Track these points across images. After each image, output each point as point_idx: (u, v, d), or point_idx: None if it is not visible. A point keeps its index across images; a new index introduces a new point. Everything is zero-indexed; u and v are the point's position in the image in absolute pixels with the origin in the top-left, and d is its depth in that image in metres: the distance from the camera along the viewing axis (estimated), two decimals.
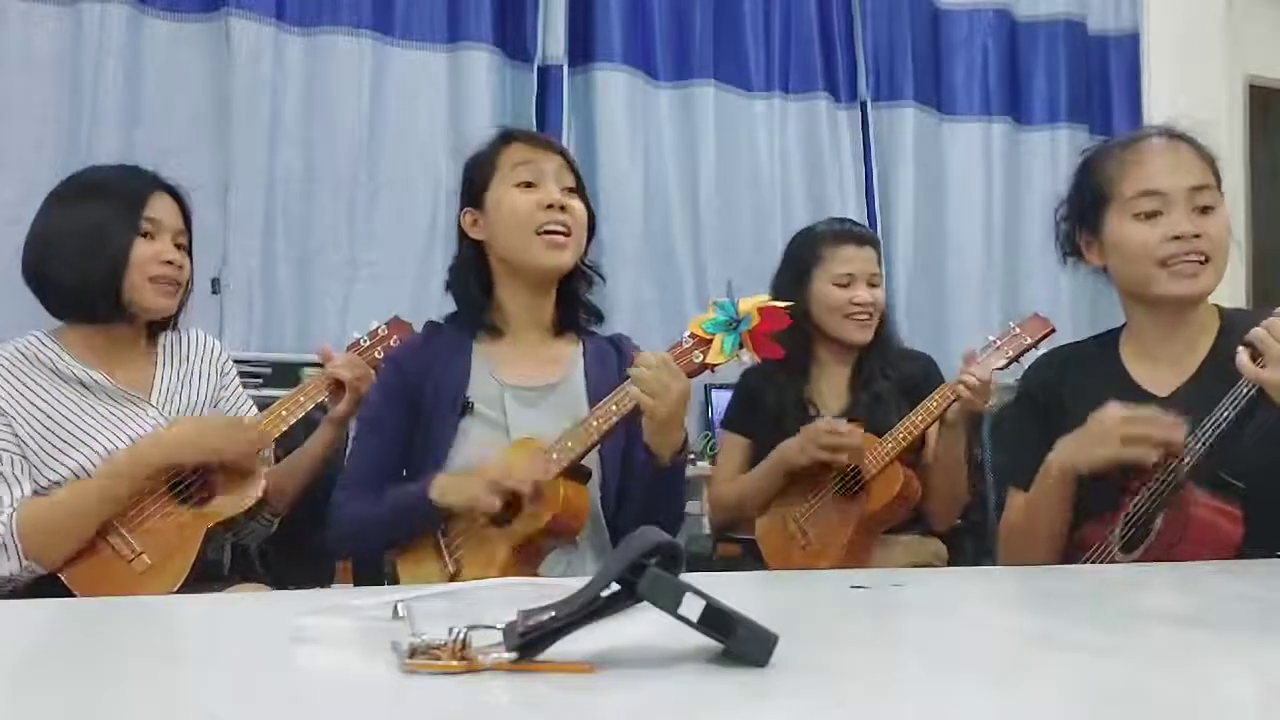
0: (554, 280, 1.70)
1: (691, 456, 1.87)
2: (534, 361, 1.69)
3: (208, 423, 1.68)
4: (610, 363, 1.72)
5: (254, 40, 3.15)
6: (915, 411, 1.97)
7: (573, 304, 1.75)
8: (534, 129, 3.38)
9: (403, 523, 1.59)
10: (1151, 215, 1.51)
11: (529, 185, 1.65)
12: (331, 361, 1.80)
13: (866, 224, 3.78)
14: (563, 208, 1.64)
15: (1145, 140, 1.57)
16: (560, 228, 1.64)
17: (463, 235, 1.73)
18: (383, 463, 1.65)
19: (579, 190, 1.70)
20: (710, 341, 1.51)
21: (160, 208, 1.66)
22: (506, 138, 1.73)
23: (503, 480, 1.49)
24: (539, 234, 1.63)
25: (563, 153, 1.73)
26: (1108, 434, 1.40)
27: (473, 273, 1.71)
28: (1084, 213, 1.60)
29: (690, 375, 1.52)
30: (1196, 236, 1.48)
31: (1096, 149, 1.64)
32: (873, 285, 2.13)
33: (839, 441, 1.95)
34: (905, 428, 1.97)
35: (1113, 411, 1.41)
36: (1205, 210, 1.51)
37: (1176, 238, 1.49)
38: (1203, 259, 1.49)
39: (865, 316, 2.12)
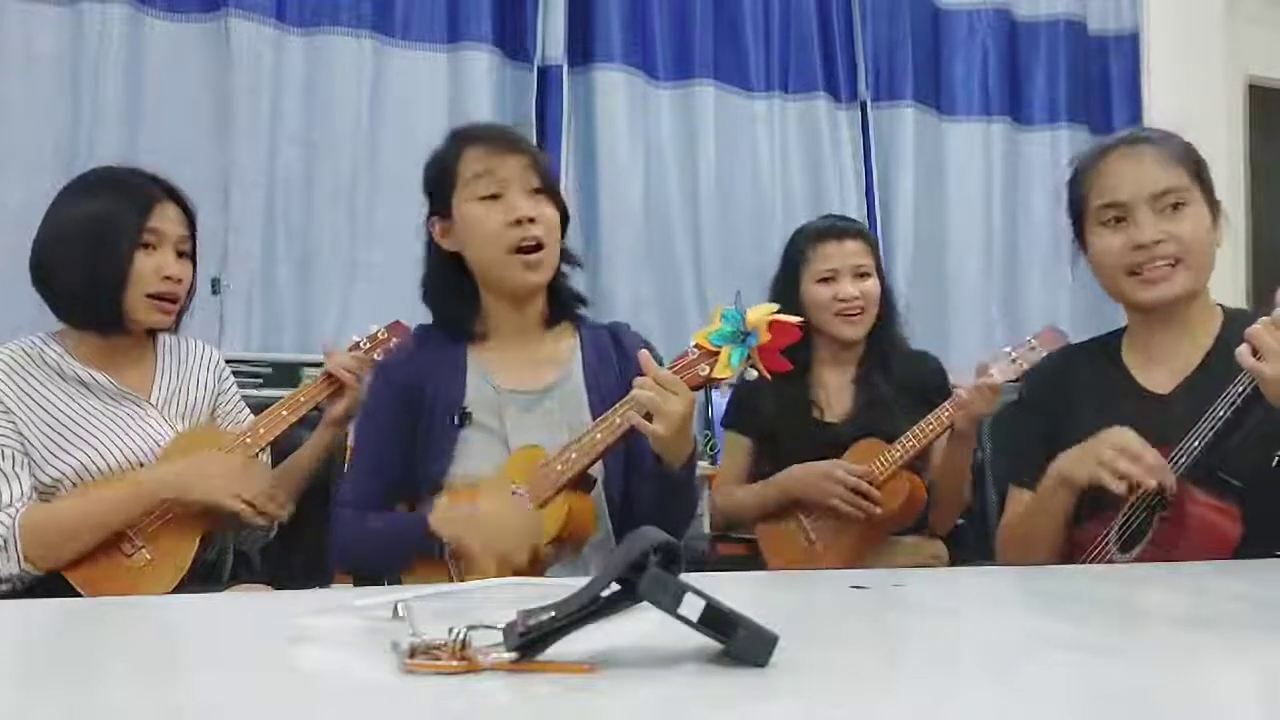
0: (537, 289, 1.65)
1: None
2: (530, 364, 1.65)
3: (230, 468, 1.63)
4: (609, 356, 1.68)
5: (254, 40, 3.15)
6: (926, 420, 1.95)
7: (560, 295, 1.69)
8: (533, 129, 3.38)
9: (402, 553, 1.54)
10: (1117, 224, 1.53)
11: (494, 197, 1.58)
12: (331, 358, 1.79)
13: (866, 223, 3.78)
14: (531, 219, 1.56)
15: (1108, 151, 1.58)
16: (531, 242, 1.57)
17: (432, 243, 1.67)
18: (380, 478, 1.62)
19: (546, 189, 1.61)
20: (716, 354, 1.47)
21: (163, 217, 1.65)
22: (462, 141, 1.65)
23: (502, 559, 1.43)
24: (512, 253, 1.57)
25: (525, 149, 1.64)
26: (1092, 452, 1.39)
27: (451, 283, 1.66)
28: (1073, 225, 1.63)
29: (694, 388, 1.47)
30: (1160, 241, 1.49)
31: (1076, 162, 1.65)
32: (862, 277, 2.10)
33: (853, 499, 1.93)
34: (915, 436, 1.95)
35: (1116, 434, 1.40)
36: (1175, 209, 1.50)
37: (1140, 246, 1.50)
38: (1172, 262, 1.49)
39: (854, 311, 2.09)
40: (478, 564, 1.43)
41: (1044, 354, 1.86)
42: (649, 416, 1.46)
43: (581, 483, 1.54)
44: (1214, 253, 1.54)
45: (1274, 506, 1.35)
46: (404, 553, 1.54)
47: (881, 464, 1.97)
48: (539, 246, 1.58)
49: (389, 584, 1.61)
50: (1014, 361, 1.88)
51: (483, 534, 1.45)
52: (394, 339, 1.84)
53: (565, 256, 1.68)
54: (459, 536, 1.47)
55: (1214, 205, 1.55)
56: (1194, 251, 1.50)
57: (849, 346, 2.14)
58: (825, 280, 2.09)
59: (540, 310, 1.68)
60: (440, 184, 1.65)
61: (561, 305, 1.69)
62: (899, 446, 1.97)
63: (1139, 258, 1.50)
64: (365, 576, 1.67)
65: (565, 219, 1.66)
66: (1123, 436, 1.39)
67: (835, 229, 2.16)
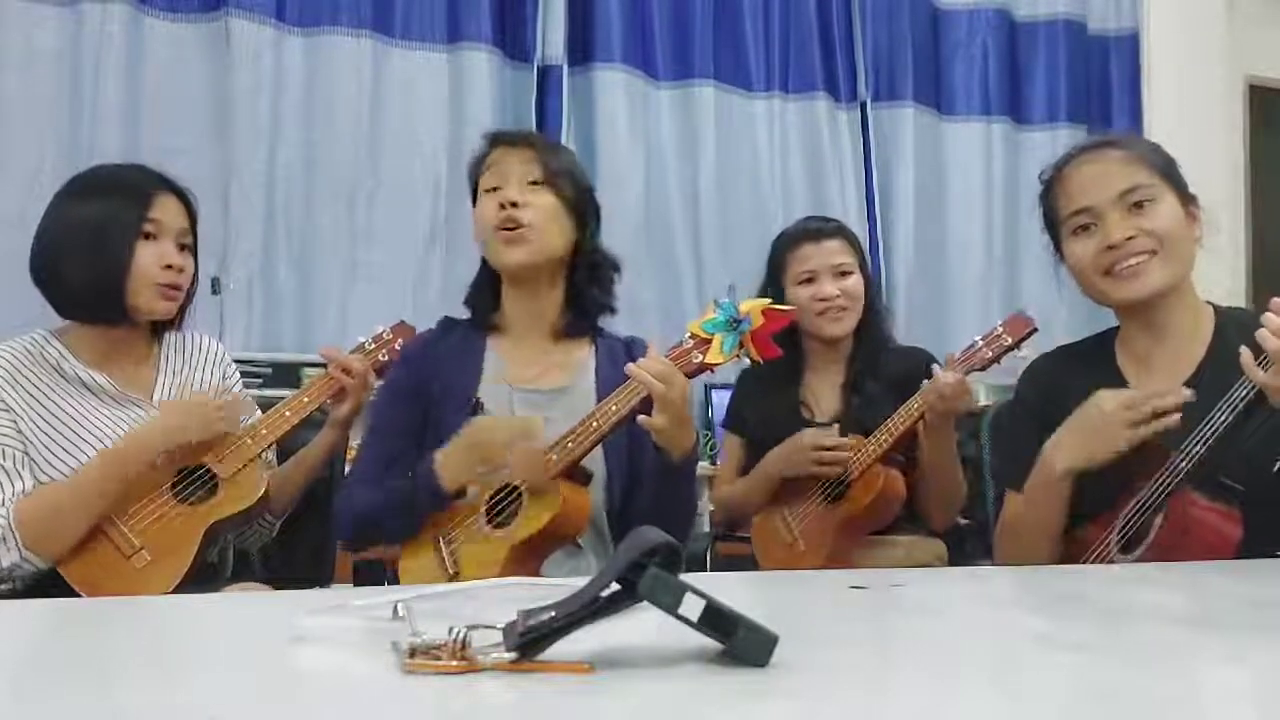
0: (535, 278, 1.69)
1: None
2: (545, 365, 1.69)
3: (200, 402, 1.66)
4: (622, 367, 1.71)
5: (254, 40, 3.16)
6: (897, 414, 1.96)
7: (580, 304, 1.73)
8: (533, 128, 3.38)
9: (405, 503, 1.57)
10: (1088, 230, 1.53)
11: (495, 188, 1.66)
12: (334, 361, 1.79)
13: (866, 224, 3.78)
14: (514, 204, 1.63)
15: (1071, 159, 1.59)
16: (510, 225, 1.63)
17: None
18: (389, 460, 1.65)
19: (547, 181, 1.67)
20: (709, 342, 1.51)
21: (163, 208, 1.66)
22: (486, 143, 1.75)
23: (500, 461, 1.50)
24: (497, 232, 1.64)
25: (530, 144, 1.71)
26: (1110, 425, 1.39)
27: (486, 281, 1.73)
28: (1050, 237, 1.63)
29: (689, 375, 1.51)
30: (1131, 238, 1.49)
31: (1044, 175, 1.65)
32: (843, 275, 2.10)
33: (826, 456, 1.96)
34: (887, 430, 1.96)
35: (1106, 402, 1.41)
36: (1142, 206, 1.50)
37: (1111, 246, 1.50)
38: (1146, 256, 1.49)
39: (836, 310, 2.09)
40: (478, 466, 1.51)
41: (1008, 341, 1.88)
42: (649, 410, 1.49)
43: (577, 475, 1.56)
44: (1192, 247, 1.54)
45: (1275, 510, 1.35)
46: (413, 506, 1.57)
47: (857, 460, 1.97)
48: (516, 230, 1.64)
49: (389, 584, 1.62)
50: (979, 351, 1.89)
51: (476, 445, 1.52)
52: (399, 340, 1.84)
53: (597, 264, 1.75)
54: (459, 465, 1.53)
55: (1187, 200, 1.55)
56: (1168, 243, 1.50)
57: (835, 346, 2.14)
58: (805, 282, 2.10)
59: (556, 310, 1.72)
60: (472, 186, 1.75)
61: (583, 312, 1.73)
62: (872, 441, 1.97)
63: (1112, 257, 1.50)
64: (363, 548, 1.70)
65: (583, 216, 1.73)
66: (1112, 399, 1.42)
67: (811, 230, 2.16)
